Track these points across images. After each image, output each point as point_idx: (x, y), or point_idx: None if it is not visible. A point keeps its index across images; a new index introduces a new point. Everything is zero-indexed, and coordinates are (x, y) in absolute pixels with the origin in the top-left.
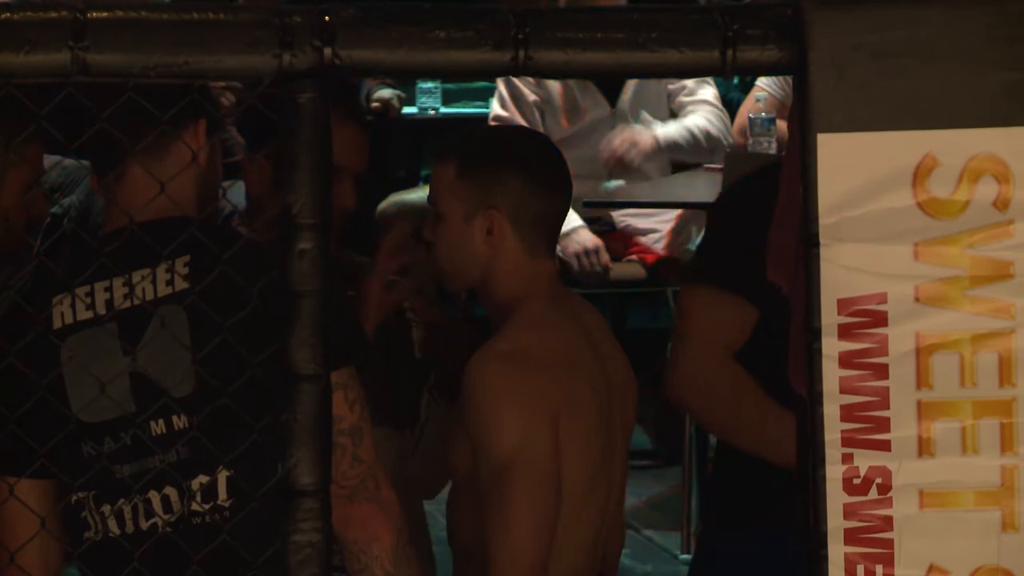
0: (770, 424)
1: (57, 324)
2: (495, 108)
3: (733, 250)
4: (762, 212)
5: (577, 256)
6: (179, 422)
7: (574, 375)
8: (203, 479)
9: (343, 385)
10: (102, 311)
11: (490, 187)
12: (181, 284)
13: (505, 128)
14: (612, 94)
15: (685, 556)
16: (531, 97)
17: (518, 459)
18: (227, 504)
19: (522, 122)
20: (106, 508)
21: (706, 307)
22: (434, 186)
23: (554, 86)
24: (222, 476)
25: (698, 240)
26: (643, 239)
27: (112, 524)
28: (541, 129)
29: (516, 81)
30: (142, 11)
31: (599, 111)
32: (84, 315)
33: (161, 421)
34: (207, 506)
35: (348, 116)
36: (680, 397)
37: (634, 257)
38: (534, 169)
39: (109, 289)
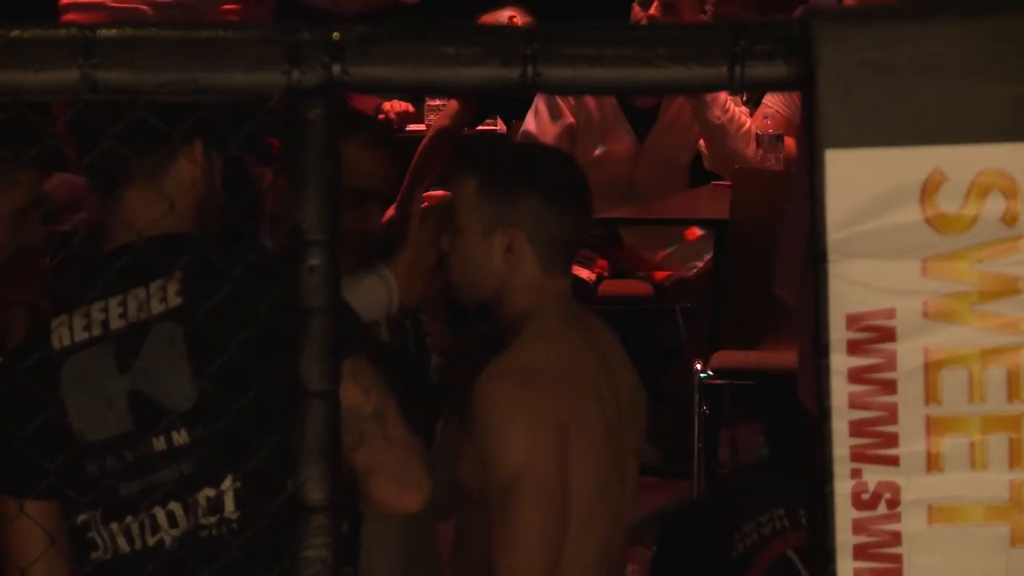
0: None
1: (56, 346)
2: (527, 121)
3: None
4: None
5: None
6: (179, 438)
7: (582, 391)
8: (208, 492)
9: (352, 375)
10: (98, 331)
11: (510, 205)
12: (175, 300)
13: (529, 146)
14: (642, 129)
15: None
16: (568, 119)
17: (525, 474)
18: (234, 517)
19: (548, 142)
20: (114, 526)
21: None
22: (454, 199)
23: (592, 112)
24: (227, 489)
25: (707, 257)
26: (651, 257)
27: (122, 541)
28: (567, 152)
29: (558, 100)
30: (152, 28)
31: (628, 144)
32: (81, 336)
33: (162, 437)
34: (213, 519)
35: (376, 141)
36: None
37: (642, 275)
38: (555, 189)
39: (105, 309)
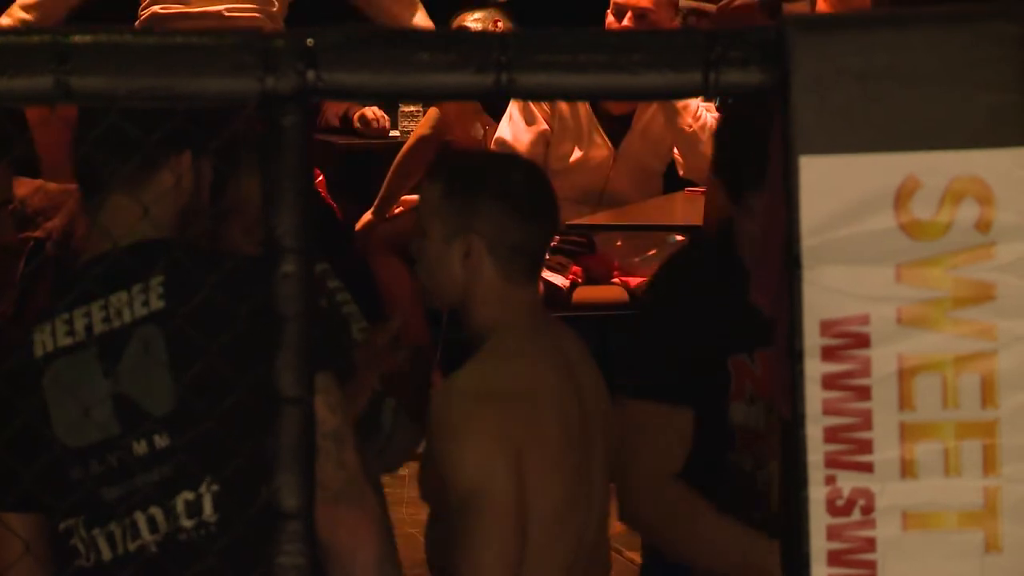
0: (725, 538)
1: (39, 352)
2: (501, 127)
3: (661, 355)
4: (685, 305)
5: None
6: (161, 441)
7: (540, 409)
8: (187, 496)
9: (323, 390)
10: (82, 336)
11: (471, 211)
12: (156, 303)
13: (495, 154)
14: (616, 136)
15: None
16: (542, 126)
17: (480, 492)
18: (212, 521)
19: (523, 149)
20: (97, 531)
21: (647, 432)
22: (421, 203)
23: (567, 118)
24: (206, 493)
25: None
26: (625, 263)
27: (104, 547)
28: (541, 158)
29: (532, 107)
30: (126, 35)
31: (602, 150)
32: (64, 341)
33: (144, 441)
34: (191, 523)
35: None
36: (637, 526)
37: (616, 281)
38: (517, 197)
39: (88, 315)
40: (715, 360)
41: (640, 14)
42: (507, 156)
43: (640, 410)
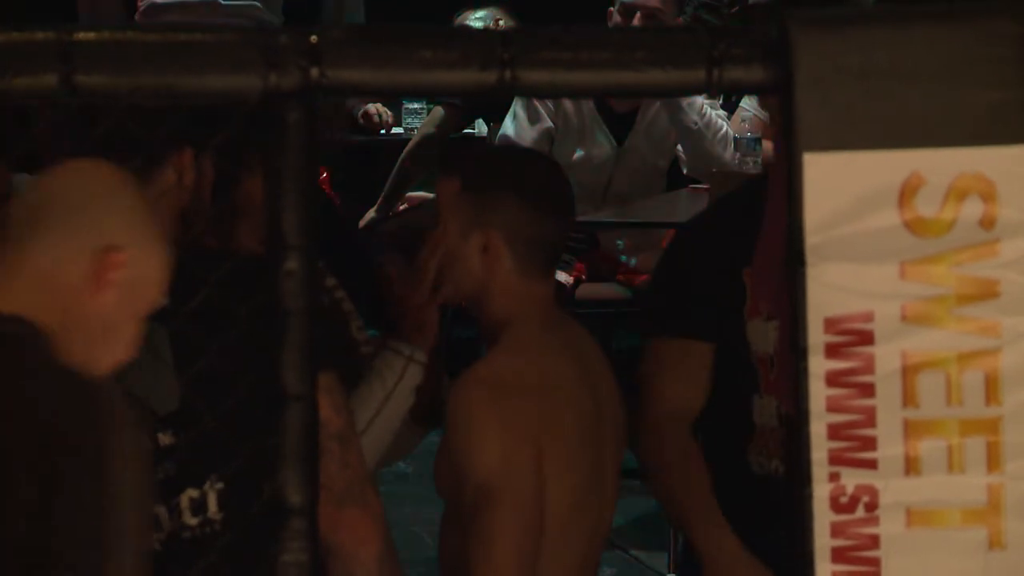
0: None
1: None
2: (505, 125)
3: (678, 288)
4: (705, 249)
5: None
6: (165, 439)
7: (557, 402)
8: (192, 494)
9: (328, 390)
10: None
11: (488, 206)
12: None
13: (512, 149)
14: (620, 134)
15: None
16: (546, 124)
17: (498, 484)
18: (217, 519)
19: (527, 145)
20: None
21: (666, 367)
22: (437, 198)
23: (571, 116)
24: (211, 491)
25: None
26: (629, 260)
27: None
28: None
29: (536, 104)
30: (130, 32)
31: (606, 148)
32: None
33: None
34: (196, 521)
35: None
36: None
37: (620, 278)
38: (534, 192)
39: None
40: (729, 274)
41: (649, 14)
42: (524, 150)
43: (660, 347)
